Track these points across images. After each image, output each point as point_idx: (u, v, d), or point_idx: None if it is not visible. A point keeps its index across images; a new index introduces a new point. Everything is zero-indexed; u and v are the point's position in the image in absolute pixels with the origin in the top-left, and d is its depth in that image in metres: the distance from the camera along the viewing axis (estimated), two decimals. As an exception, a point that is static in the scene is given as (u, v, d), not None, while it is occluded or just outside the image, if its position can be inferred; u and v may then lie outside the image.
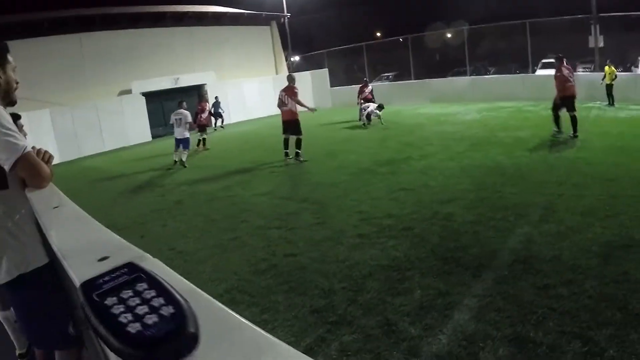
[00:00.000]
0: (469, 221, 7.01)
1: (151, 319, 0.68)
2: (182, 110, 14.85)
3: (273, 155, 13.78)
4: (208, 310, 0.77)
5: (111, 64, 25.18)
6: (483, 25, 30.33)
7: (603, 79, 20.69)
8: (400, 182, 9.51)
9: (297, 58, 41.69)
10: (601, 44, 25.59)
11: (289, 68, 34.17)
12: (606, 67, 20.85)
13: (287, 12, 34.15)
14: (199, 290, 0.84)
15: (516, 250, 5.86)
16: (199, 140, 17.73)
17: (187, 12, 28.52)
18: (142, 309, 0.72)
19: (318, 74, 31.10)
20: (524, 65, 27.60)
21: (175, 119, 14.78)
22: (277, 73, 31.55)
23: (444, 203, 7.94)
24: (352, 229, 7.07)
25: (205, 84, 27.06)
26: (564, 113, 13.39)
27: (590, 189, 8.25)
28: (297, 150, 12.89)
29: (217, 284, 5.44)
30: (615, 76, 20.41)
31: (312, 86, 30.32)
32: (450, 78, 28.67)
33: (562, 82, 13.57)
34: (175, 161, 14.74)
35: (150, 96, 25.46)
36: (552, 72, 24.47)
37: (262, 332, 0.69)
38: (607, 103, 20.49)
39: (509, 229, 6.60)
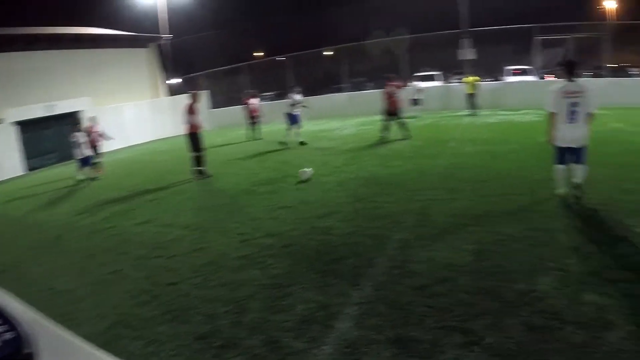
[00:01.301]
0: (347, 233, 7.19)
1: None
2: (77, 133, 16.33)
3: (153, 182, 13.43)
4: (48, 333, 0.78)
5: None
6: (360, 43, 31.30)
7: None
8: (279, 200, 9.57)
9: (177, 80, 40.95)
10: (472, 57, 27.15)
11: (168, 91, 33.47)
12: (466, 78, 22.06)
13: (168, 34, 33.43)
14: (42, 317, 0.84)
15: (393, 256, 6.10)
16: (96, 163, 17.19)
17: (64, 35, 27.00)
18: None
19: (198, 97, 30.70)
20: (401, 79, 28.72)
21: (77, 141, 16.06)
22: (155, 97, 30.73)
23: (322, 217, 8.09)
24: (233, 251, 7.03)
25: (82, 110, 25.76)
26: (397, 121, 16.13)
27: (462, 192, 8.81)
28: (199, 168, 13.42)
29: (99, 321, 5.20)
30: (477, 86, 21.61)
31: (192, 109, 29.91)
32: (328, 95, 29.26)
33: (388, 97, 16.30)
34: (82, 180, 15.87)
35: (25, 125, 23.66)
36: (427, 84, 25.95)
37: (98, 351, 0.73)
38: (470, 112, 21.61)
39: (386, 237, 6.85)
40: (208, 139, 23.17)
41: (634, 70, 32.98)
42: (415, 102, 22.88)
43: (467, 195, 8.62)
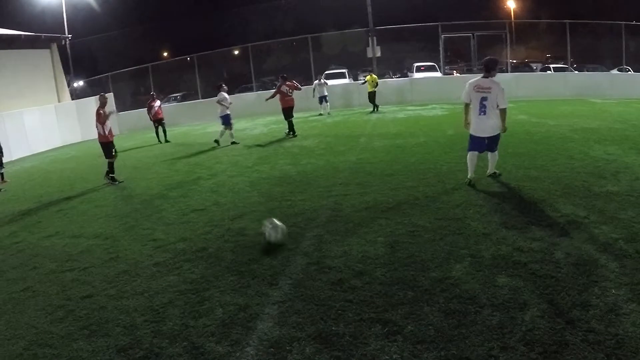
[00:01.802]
0: (261, 233, 7.07)
1: None
2: None
3: (60, 192, 12.72)
4: None
5: None
6: (268, 42, 31.23)
7: (363, 84, 22.50)
8: (191, 204, 9.32)
9: (81, 83, 39.37)
10: (379, 54, 27.69)
11: (72, 94, 32.02)
12: (367, 76, 22.50)
13: (68, 33, 31.88)
14: None
15: (308, 253, 6.07)
16: None
17: None
18: None
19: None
20: (308, 77, 28.86)
21: None
22: (59, 100, 29.13)
23: (235, 219, 7.95)
24: (147, 258, 6.75)
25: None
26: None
27: (373, 186, 8.92)
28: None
29: (15, 342, 4.78)
30: (377, 84, 22.09)
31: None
32: (237, 95, 29.03)
33: (282, 96, 16.78)
34: None
35: None
36: (335, 82, 26.24)
37: None
38: (372, 110, 22.16)
39: (300, 234, 6.81)
40: (116, 142, 22.53)
41: (536, 65, 34.80)
42: (322, 99, 23.14)
43: (378, 188, 8.74)
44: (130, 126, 28.06)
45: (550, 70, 28.30)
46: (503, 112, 8.03)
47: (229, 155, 14.42)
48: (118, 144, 21.53)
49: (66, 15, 32.25)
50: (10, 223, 10.10)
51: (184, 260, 6.47)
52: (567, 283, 4.56)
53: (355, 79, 31.89)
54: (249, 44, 30.05)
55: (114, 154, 12.85)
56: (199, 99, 29.51)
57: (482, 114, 8.05)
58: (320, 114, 22.83)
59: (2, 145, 16.16)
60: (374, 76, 22.57)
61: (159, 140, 20.44)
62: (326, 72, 29.44)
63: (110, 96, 28.78)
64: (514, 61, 32.91)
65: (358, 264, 5.51)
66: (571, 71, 26.73)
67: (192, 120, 26.61)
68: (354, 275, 5.22)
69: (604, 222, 6.10)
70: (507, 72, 27.60)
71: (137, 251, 7.12)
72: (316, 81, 23.63)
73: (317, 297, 4.82)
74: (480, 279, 4.80)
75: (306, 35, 29.02)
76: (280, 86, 17.18)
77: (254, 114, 25.66)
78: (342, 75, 30.32)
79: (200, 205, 9.09)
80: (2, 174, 15.97)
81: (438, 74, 27.64)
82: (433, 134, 14.10)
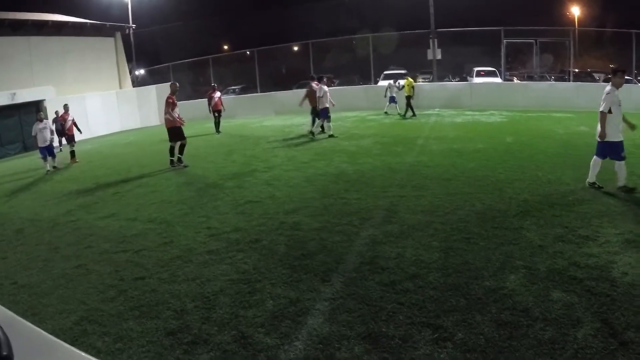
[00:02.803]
0: (315, 228, 7.15)
1: None
2: (46, 120, 16.16)
3: (118, 175, 13.15)
4: (24, 334, 0.80)
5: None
6: (328, 39, 31.28)
7: (401, 89, 22.08)
8: (246, 195, 9.48)
9: (142, 71, 40.27)
10: (439, 57, 27.47)
11: (133, 82, 32.85)
12: (405, 80, 22.05)
13: (133, 23, 32.73)
14: (16, 316, 0.87)
15: (362, 252, 6.10)
16: (71, 152, 17.10)
17: (26, 21, 25.80)
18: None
19: (163, 88, 29.86)
20: (366, 77, 28.82)
21: (39, 129, 15.52)
22: (120, 87, 30.01)
23: (290, 213, 8.04)
24: (200, 245, 6.93)
25: (44, 100, 24.91)
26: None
27: (430, 190, 8.88)
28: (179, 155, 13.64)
29: (65, 317, 5.02)
30: (413, 88, 21.81)
31: (157, 100, 29.30)
32: (295, 90, 29.18)
33: (312, 96, 17.34)
34: (48, 170, 15.31)
35: None
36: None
37: (76, 350, 0.66)
38: (404, 114, 21.90)
39: (354, 233, 6.84)
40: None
41: (599, 75, 33.86)
42: (392, 99, 22.86)
43: (435, 192, 8.69)
44: (189, 116, 28.54)
45: (614, 82, 27.44)
46: (598, 115, 8.59)
47: (285, 149, 14.56)
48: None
49: (131, 5, 33.08)
50: (69, 202, 10.52)
51: (237, 250, 6.59)
52: (622, 303, 4.46)
53: (414, 80, 31.66)
54: (309, 41, 30.18)
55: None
56: (257, 92, 29.78)
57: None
58: (386, 112, 22.75)
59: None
60: (411, 80, 22.28)
61: (217, 131, 20.78)
62: (385, 72, 29.33)
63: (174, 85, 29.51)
64: (576, 70, 32.04)
65: (411, 267, 5.52)
66: (636, 83, 25.88)
67: (250, 113, 26.87)
68: (406, 278, 5.24)
69: (665, 243, 5.94)
70: (569, 80, 26.93)
71: (191, 238, 7.30)
72: (390, 81, 23.47)
73: (369, 297, 4.86)
74: (534, 292, 4.75)
75: (367, 35, 28.94)
76: (310, 85, 18.18)
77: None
78: (401, 77, 30.14)
79: (255, 197, 9.24)
80: (73, 152, 16.72)
81: (498, 80, 27.18)
82: (491, 140, 13.90)
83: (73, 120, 17.43)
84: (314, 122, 17.53)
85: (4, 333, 0.70)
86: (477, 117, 20.23)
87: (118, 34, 30.66)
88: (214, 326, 4.57)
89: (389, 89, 22.89)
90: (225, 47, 52.16)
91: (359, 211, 7.87)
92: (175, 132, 13.58)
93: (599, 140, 8.50)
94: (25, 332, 0.78)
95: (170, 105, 13.46)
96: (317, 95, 16.72)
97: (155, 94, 29.13)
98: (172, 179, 11.95)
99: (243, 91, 33.55)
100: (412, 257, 5.82)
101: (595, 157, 8.60)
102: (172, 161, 13.55)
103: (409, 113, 21.52)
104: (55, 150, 16.01)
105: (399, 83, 22.96)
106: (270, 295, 5.12)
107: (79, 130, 17.53)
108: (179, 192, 10.47)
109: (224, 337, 4.36)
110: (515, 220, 6.98)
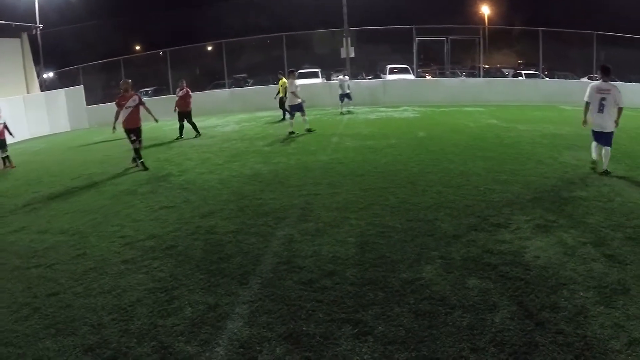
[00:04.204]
0: (231, 231, 7.01)
1: None
2: None
3: (26, 186, 12.43)
4: None
5: None
6: (241, 39, 31.04)
7: (277, 94, 21.42)
8: (160, 200, 9.18)
9: (50, 74, 38.56)
10: (352, 55, 27.71)
11: (41, 86, 31.34)
12: (280, 81, 21.40)
13: (40, 23, 31.11)
14: None
15: (279, 253, 6.03)
16: (4, 158, 15.70)
17: None
18: None
19: (73, 92, 28.59)
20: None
21: None
22: (28, 92, 28.39)
23: (205, 216, 7.85)
24: (115, 255, 6.63)
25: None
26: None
27: (344, 186, 8.91)
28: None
29: None
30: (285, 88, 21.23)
31: (66, 105, 28.01)
32: (209, 91, 28.78)
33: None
34: None
35: None
36: (306, 81, 26.01)
37: None
38: (282, 119, 20.95)
39: (271, 233, 6.76)
40: (84, 137, 22.20)
41: (508, 70, 35.29)
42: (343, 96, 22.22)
43: (349, 189, 8.73)
44: (100, 120, 27.58)
45: (522, 77, 28.71)
46: (620, 110, 8.97)
47: (198, 152, 14.26)
48: (87, 138, 21.35)
49: (38, 4, 31.60)
50: (-27, 217, 9.84)
51: (152, 257, 6.36)
52: (536, 285, 4.62)
53: (328, 79, 31.77)
54: (222, 40, 29.84)
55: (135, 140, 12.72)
56: (170, 94, 29.14)
57: (600, 112, 9.06)
58: (342, 113, 21.80)
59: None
60: (284, 80, 21.01)
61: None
62: (299, 71, 29.38)
63: (80, 89, 28.36)
64: (487, 66, 33.25)
65: (328, 264, 5.50)
66: (542, 78, 27.13)
67: (163, 116, 26.17)
68: (324, 276, 5.21)
69: (572, 227, 6.21)
70: (480, 76, 27.90)
71: (105, 248, 6.98)
72: (340, 76, 23.21)
73: (288, 297, 4.80)
74: (451, 281, 4.82)
75: (280, 34, 28.90)
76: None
77: (226, 110, 25.46)
78: (314, 75, 30.24)
79: (169, 203, 8.96)
80: (6, 157, 15.71)
81: (411, 77, 27.78)
82: (404, 135, 14.17)
83: (4, 124, 16.20)
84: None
85: None
86: (391, 113, 20.62)
87: (24, 35, 28.82)
88: (133, 338, 4.36)
89: (340, 86, 22.25)
90: (137, 47, 50.91)
91: (274, 211, 7.79)
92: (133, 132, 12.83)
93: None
94: None
95: (118, 106, 12.86)
96: (289, 90, 16.33)
97: (65, 98, 27.87)
98: (83, 187, 11.41)
99: (156, 93, 32.71)
100: (329, 254, 5.79)
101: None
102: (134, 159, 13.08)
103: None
104: None
105: (346, 78, 22.73)
106: (188, 302, 4.96)
107: (10, 134, 16.25)
108: (92, 201, 9.99)
109: (144, 348, 4.17)
110: (429, 212, 7.10)
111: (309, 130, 16.12)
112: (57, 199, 10.39)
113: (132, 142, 12.71)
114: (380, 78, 30.02)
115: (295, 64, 29.49)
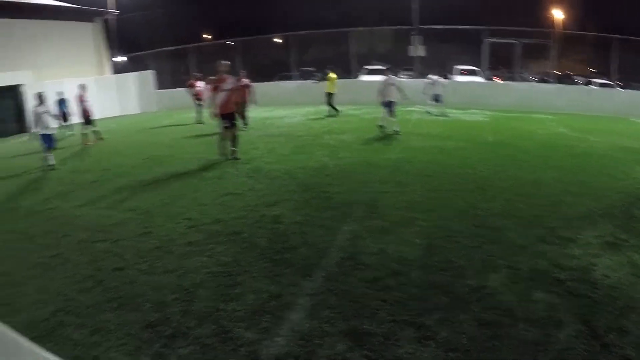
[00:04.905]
0: (297, 222, 7.09)
1: None
2: (47, 104, 13.70)
3: (95, 163, 12.93)
4: None
5: None
6: (309, 32, 31.11)
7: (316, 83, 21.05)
8: (226, 186, 9.36)
9: (122, 58, 39.75)
10: (422, 53, 27.44)
11: (113, 68, 32.43)
12: (329, 76, 21.18)
13: (114, 9, 32.15)
14: None
15: (344, 247, 6.05)
16: (90, 132, 16.87)
17: (2, 3, 25.31)
18: None
19: (143, 76, 29.68)
20: (347, 71, 28.73)
21: (40, 113, 13.33)
22: (100, 74, 29.49)
23: (270, 206, 7.96)
24: (180, 236, 6.82)
25: (22, 85, 24.54)
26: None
27: (411, 186, 8.85)
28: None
29: (41, 307, 4.85)
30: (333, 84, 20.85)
31: (137, 88, 29.01)
32: (277, 82, 29.02)
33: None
34: (50, 165, 13.05)
35: None
36: (373, 77, 25.83)
37: (40, 350, 0.58)
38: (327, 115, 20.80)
39: (336, 227, 6.78)
40: (153, 120, 22.80)
41: (579, 78, 34.24)
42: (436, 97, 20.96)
43: (416, 189, 8.66)
44: (168, 105, 28.35)
45: (594, 85, 27.81)
46: None
47: (265, 141, 14.43)
48: (156, 121, 21.90)
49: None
50: (44, 191, 10.28)
51: (217, 242, 6.50)
52: (604, 305, 4.49)
53: (395, 76, 31.42)
54: (290, 33, 30.08)
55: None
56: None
57: None
58: (428, 112, 20.92)
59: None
60: (333, 75, 21.21)
61: (198, 121, 20.53)
62: (365, 67, 29.25)
63: (150, 74, 29.16)
64: (559, 73, 32.33)
65: (394, 264, 5.48)
66: (616, 88, 26.20)
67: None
68: (389, 275, 5.20)
69: (644, 247, 5.99)
70: (553, 83, 27.16)
71: (171, 229, 7.18)
72: (432, 76, 21.63)
73: (351, 293, 4.82)
74: (517, 292, 4.75)
75: (348, 29, 28.84)
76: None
77: (292, 102, 25.65)
78: (381, 72, 29.98)
79: (235, 189, 9.13)
80: (89, 133, 16.72)
81: (480, 79, 27.28)
82: (473, 139, 13.95)
83: (88, 101, 16.94)
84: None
85: None
86: (459, 115, 20.31)
87: (99, 20, 30.06)
88: (194, 319, 4.49)
89: (430, 86, 20.89)
90: (207, 36, 51.67)
91: (340, 205, 7.81)
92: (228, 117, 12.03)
93: None
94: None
95: (214, 89, 12.04)
96: (385, 85, 15.50)
97: (135, 82, 28.82)
98: (150, 169, 11.75)
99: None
100: (395, 254, 5.77)
101: None
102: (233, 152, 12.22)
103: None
104: (54, 140, 13.76)
105: (439, 79, 21.13)
106: (251, 289, 5.05)
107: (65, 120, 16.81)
108: (160, 181, 10.29)
109: (204, 330, 4.29)
110: (497, 219, 6.98)
111: (395, 132, 15.03)
112: (126, 177, 10.76)
113: (227, 128, 12.03)
114: (448, 79, 29.60)
115: (363, 60, 29.44)
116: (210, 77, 12.28)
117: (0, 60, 24.09)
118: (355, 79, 27.43)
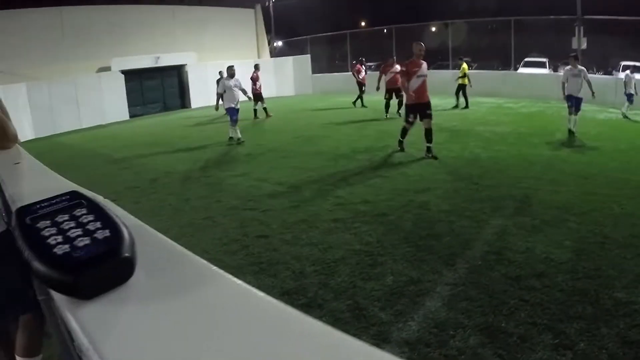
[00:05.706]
0: (444, 210, 7.14)
1: (83, 242, 0.64)
2: (237, 78, 14.24)
3: (250, 139, 13.72)
4: (151, 241, 0.77)
5: (91, 40, 24.26)
6: (467, 20, 30.44)
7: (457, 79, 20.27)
8: (376, 169, 9.57)
9: (280, 43, 41.27)
10: (584, 46, 25.85)
11: (271, 52, 33.86)
12: (462, 67, 20.29)
13: (272, -4, 33.63)
14: (145, 224, 0.86)
15: (490, 241, 6.01)
16: (262, 109, 18.70)
17: None
18: (75, 232, 0.67)
19: (300, 60, 30.78)
20: (506, 62, 27.80)
21: (230, 86, 13.93)
22: (259, 57, 31.08)
23: (419, 192, 8.06)
24: (326, 213, 7.13)
25: (186, 65, 26.62)
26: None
27: (566, 186, 8.47)
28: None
29: None
30: (465, 75, 20.01)
31: (293, 71, 30.14)
32: (433, 71, 28.60)
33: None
34: (239, 139, 13.69)
35: (129, 74, 24.79)
36: (534, 70, 24.67)
37: (206, 263, 0.67)
38: (454, 106, 20.27)
39: (484, 220, 6.74)
40: (308, 102, 23.55)
41: None
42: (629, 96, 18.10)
43: (571, 189, 8.27)
44: (323, 88, 29.10)
45: None
46: None
47: (417, 129, 14.38)
48: (312, 104, 22.59)
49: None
50: (203, 159, 11.19)
51: (362, 221, 6.71)
52: None
53: (555, 70, 29.83)
54: (448, 21, 29.61)
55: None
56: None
57: None
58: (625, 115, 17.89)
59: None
60: (466, 66, 20.05)
61: (363, 105, 21.05)
62: (526, 59, 28.12)
63: (307, 58, 30.09)
64: None
65: (540, 264, 5.35)
66: None
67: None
68: (533, 275, 5.08)
69: None
70: None
71: (318, 204, 7.52)
72: (628, 72, 18.49)
73: (492, 289, 4.79)
74: (672, 312, 4.42)
75: (508, 18, 27.73)
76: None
77: (445, 93, 25.25)
78: (541, 65, 28.68)
79: (385, 172, 9.33)
80: (265, 108, 18.38)
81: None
82: (635, 141, 13.02)
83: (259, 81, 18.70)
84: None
85: (130, 235, 0.66)
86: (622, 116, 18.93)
87: (258, 6, 31.82)
88: (330, 293, 4.71)
89: (626, 84, 17.81)
90: (363, 23, 52.02)
91: (490, 199, 7.73)
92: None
93: None
94: (152, 240, 0.81)
95: (405, 74, 11.04)
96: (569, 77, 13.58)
97: (292, 65, 29.92)
98: (302, 147, 12.27)
99: (377, 68, 33.41)
100: (542, 254, 5.62)
101: None
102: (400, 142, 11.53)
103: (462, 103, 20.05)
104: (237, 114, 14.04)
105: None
106: (391, 270, 5.20)
107: (245, 94, 17.69)
108: (309, 160, 10.74)
109: (339, 305, 4.48)
110: (657, 232, 6.50)
111: (570, 132, 13.39)
112: (278, 153, 11.36)
113: (423, 118, 10.84)
114: (612, 75, 27.59)
115: (521, 52, 28.27)
116: (404, 62, 11.42)
117: (168, 41, 26.22)
118: (514, 71, 26.40)
